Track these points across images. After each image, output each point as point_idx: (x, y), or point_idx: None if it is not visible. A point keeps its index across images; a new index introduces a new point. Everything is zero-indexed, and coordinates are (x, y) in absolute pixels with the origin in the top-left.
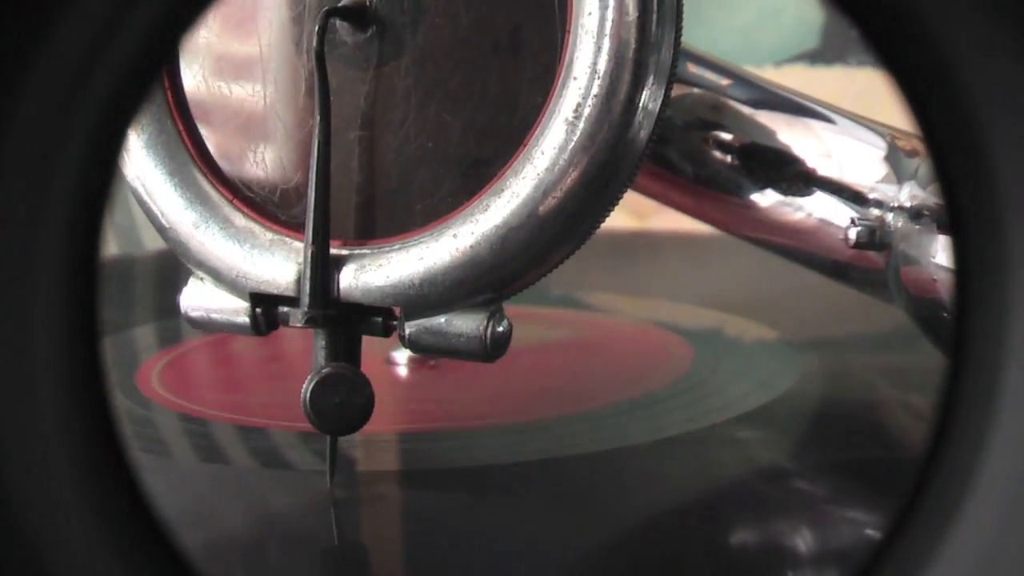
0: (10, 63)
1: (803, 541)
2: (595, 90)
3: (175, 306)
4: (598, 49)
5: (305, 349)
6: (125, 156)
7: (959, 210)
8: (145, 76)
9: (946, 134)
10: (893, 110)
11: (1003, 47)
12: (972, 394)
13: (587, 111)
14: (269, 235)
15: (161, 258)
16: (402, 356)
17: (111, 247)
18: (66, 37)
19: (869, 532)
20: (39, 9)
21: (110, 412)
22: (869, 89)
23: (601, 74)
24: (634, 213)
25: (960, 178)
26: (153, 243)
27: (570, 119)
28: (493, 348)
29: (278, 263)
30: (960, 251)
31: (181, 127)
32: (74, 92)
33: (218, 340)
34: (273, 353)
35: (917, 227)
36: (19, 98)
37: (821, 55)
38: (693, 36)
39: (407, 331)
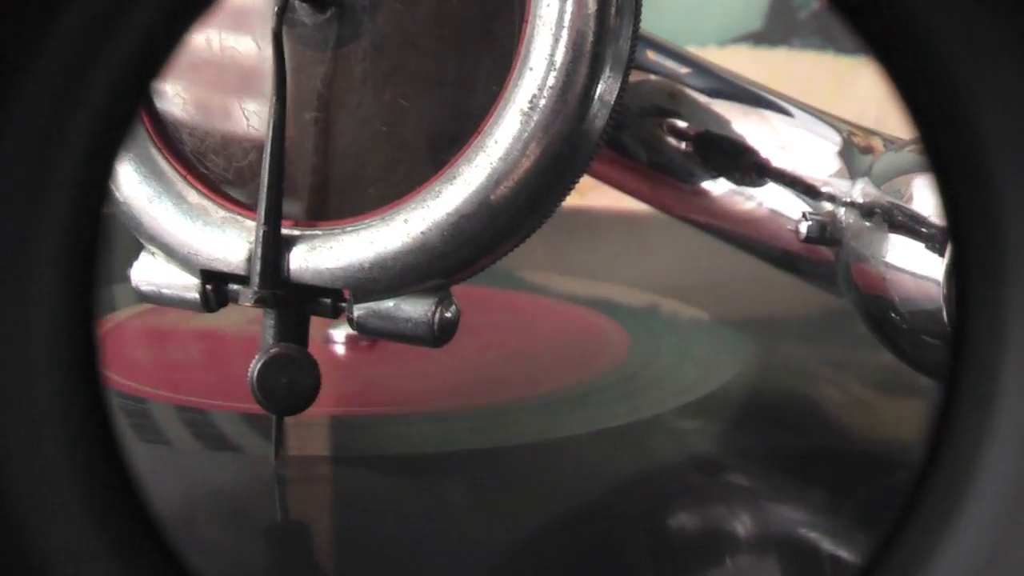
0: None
1: (742, 528)
2: (551, 82)
3: (110, 274)
4: (556, 41)
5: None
6: None
7: (957, 209)
8: (141, 84)
9: (944, 135)
10: (834, 93)
11: (1003, 49)
12: (971, 394)
13: (542, 102)
14: (222, 213)
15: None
16: (340, 334)
17: None
18: (60, 42)
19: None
20: (33, 14)
21: (106, 408)
22: (812, 72)
23: (558, 66)
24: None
25: (958, 177)
26: None
27: (525, 110)
28: (440, 333)
29: (230, 241)
30: (958, 250)
31: None
32: (70, 96)
33: (154, 311)
34: (210, 328)
35: (868, 224)
36: (12, 104)
37: (765, 37)
38: None
39: (355, 314)
